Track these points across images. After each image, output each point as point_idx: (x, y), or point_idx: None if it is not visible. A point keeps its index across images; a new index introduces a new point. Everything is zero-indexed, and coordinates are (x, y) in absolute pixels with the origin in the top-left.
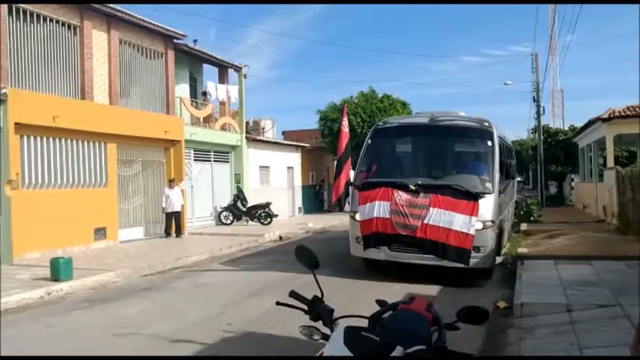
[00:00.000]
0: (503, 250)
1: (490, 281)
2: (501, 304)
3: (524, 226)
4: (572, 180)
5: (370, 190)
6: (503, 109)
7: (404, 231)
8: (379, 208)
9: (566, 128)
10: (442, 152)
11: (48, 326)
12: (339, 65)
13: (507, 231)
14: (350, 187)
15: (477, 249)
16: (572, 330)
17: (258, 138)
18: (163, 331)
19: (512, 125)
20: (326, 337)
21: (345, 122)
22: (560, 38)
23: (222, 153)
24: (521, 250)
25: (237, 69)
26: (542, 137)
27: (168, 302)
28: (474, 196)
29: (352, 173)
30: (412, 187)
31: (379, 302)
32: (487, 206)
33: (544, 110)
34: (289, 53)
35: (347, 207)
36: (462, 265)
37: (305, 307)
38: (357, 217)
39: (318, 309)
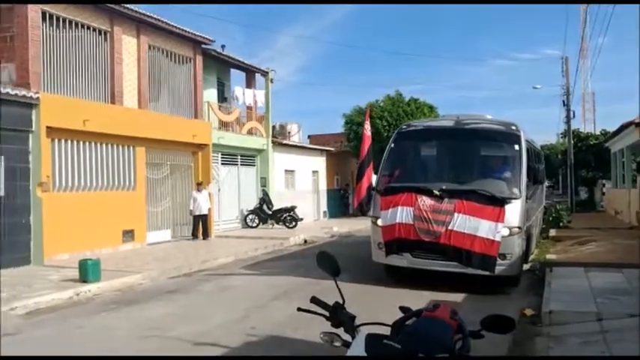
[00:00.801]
0: (532, 257)
1: (517, 288)
2: (528, 312)
3: (553, 232)
4: (604, 185)
5: (393, 195)
6: (532, 113)
7: (427, 237)
8: (402, 214)
9: (598, 132)
10: (468, 156)
11: (76, 327)
12: (365, 68)
13: (535, 237)
14: (372, 192)
15: (503, 256)
16: (603, 340)
17: (284, 142)
18: (188, 333)
19: (542, 129)
20: (347, 344)
21: (368, 125)
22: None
23: (248, 157)
24: (549, 256)
25: (264, 74)
26: (572, 142)
27: (193, 305)
28: (500, 202)
29: (375, 177)
30: (436, 192)
31: (403, 309)
32: (514, 212)
33: (574, 114)
34: (315, 57)
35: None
36: (487, 273)
37: (326, 313)
38: (379, 222)
39: (339, 315)
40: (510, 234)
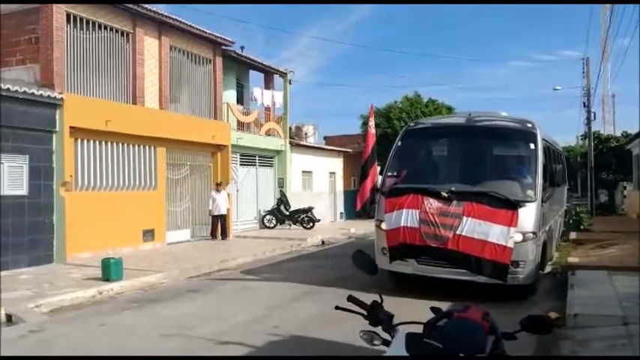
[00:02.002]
0: (553, 259)
1: (540, 291)
2: (553, 315)
3: (573, 235)
4: (625, 188)
5: (398, 197)
6: (551, 115)
7: (434, 242)
8: (407, 217)
9: (619, 134)
10: (479, 156)
11: (100, 325)
12: (382, 70)
13: (555, 241)
14: (377, 193)
15: (516, 264)
16: (630, 344)
17: (302, 143)
18: (211, 332)
19: (561, 131)
20: (386, 343)
21: (372, 123)
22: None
23: (266, 158)
24: (571, 259)
25: (283, 75)
26: (592, 143)
27: (214, 304)
28: (514, 205)
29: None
30: (444, 194)
31: (434, 310)
32: (528, 216)
33: (595, 116)
34: (332, 58)
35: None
36: (498, 282)
37: (364, 312)
38: (383, 226)
39: (378, 314)
40: (524, 240)
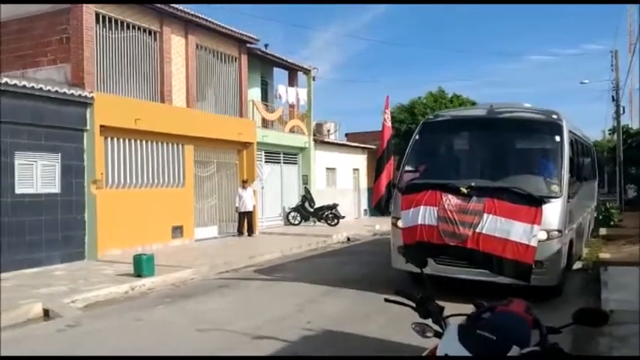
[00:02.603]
0: (583, 256)
1: (572, 287)
2: None
3: (603, 231)
4: None
5: (415, 193)
6: (576, 110)
7: (452, 241)
8: (424, 214)
9: None
10: (501, 149)
11: (135, 320)
12: (405, 65)
13: (585, 238)
14: (393, 189)
15: (540, 264)
16: None
17: (326, 140)
18: (245, 327)
19: (587, 125)
20: (438, 335)
21: (388, 115)
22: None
23: (290, 155)
24: (602, 255)
25: (307, 71)
26: (621, 138)
27: (245, 299)
28: (538, 201)
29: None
30: (464, 190)
31: (477, 304)
32: (553, 213)
33: (624, 110)
34: (354, 54)
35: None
36: (521, 283)
37: (413, 304)
38: (400, 223)
39: (428, 306)
40: (549, 238)
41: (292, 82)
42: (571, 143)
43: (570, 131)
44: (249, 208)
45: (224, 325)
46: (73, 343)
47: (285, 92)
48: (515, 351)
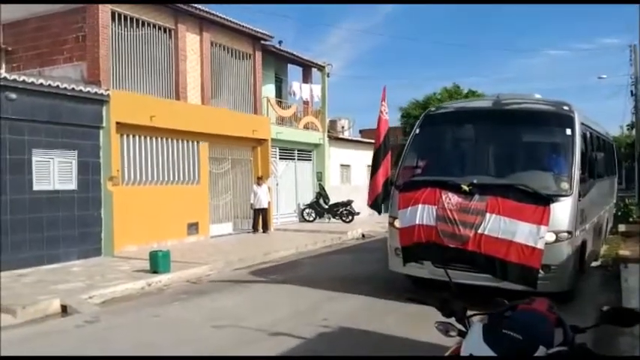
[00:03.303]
0: (602, 252)
1: (591, 285)
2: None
3: (622, 228)
4: None
5: (413, 191)
6: (595, 105)
7: (452, 242)
8: (422, 213)
9: None
10: (507, 143)
11: (152, 316)
12: (419, 61)
13: (603, 237)
14: (391, 187)
15: (548, 268)
16: None
17: (340, 137)
18: (261, 324)
19: (604, 121)
20: (462, 334)
21: (385, 107)
22: None
23: (305, 151)
24: (622, 252)
25: (321, 68)
26: None
27: (261, 296)
28: (545, 200)
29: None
30: (465, 188)
31: (497, 302)
32: (562, 212)
33: None
34: (369, 50)
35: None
36: (527, 289)
37: (436, 303)
38: (397, 223)
39: (451, 306)
40: (557, 240)
41: (306, 78)
42: (584, 137)
43: (583, 124)
44: (264, 205)
45: (239, 322)
46: (92, 339)
47: (299, 89)
48: (542, 351)
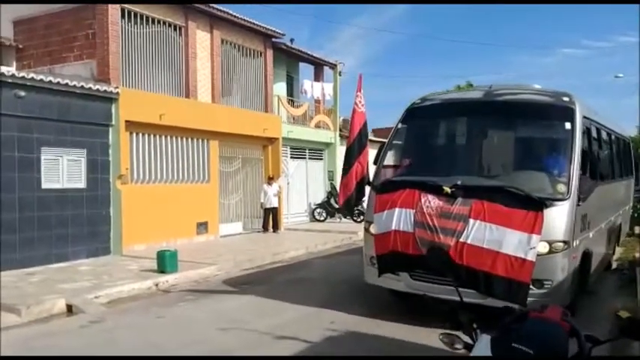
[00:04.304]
0: (616, 255)
1: (607, 288)
2: (624, 314)
3: (638, 229)
4: None
5: (390, 193)
6: (610, 104)
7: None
8: (399, 218)
9: None
10: (498, 139)
11: (158, 317)
12: (432, 59)
13: (614, 243)
14: (368, 187)
15: (540, 283)
16: None
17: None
18: (267, 326)
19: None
20: (468, 347)
21: (360, 99)
22: None
23: (316, 150)
24: (638, 255)
25: (333, 66)
26: None
27: (269, 297)
28: (538, 204)
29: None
30: (447, 190)
31: (506, 310)
32: (558, 219)
33: None
34: (382, 48)
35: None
36: (515, 306)
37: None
38: (372, 229)
39: (458, 316)
40: (551, 251)
41: (318, 77)
42: (588, 132)
43: (588, 118)
44: (275, 204)
45: (246, 324)
46: (96, 339)
47: (311, 87)
48: None
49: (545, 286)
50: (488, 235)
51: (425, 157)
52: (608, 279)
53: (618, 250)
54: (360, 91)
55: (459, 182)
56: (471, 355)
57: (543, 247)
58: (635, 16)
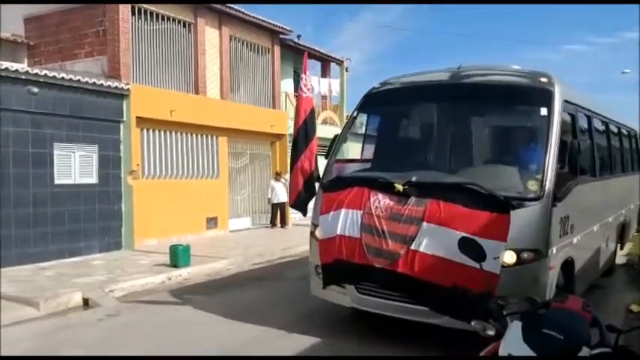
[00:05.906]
0: (625, 251)
1: (617, 282)
2: (635, 308)
3: None
4: None
5: (338, 191)
6: (617, 100)
7: (378, 261)
8: (345, 221)
9: None
10: (463, 128)
11: (174, 310)
12: (443, 54)
13: (623, 240)
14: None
15: (504, 300)
16: None
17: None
18: (280, 320)
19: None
20: (500, 333)
21: (306, 82)
22: None
23: (323, 147)
24: None
25: (339, 62)
26: None
27: (281, 291)
28: (503, 205)
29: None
30: (399, 187)
31: (529, 300)
32: (527, 223)
33: None
34: (387, 45)
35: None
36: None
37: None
38: (318, 233)
39: (488, 304)
40: (519, 262)
41: (325, 73)
42: (572, 120)
43: (572, 103)
44: (282, 200)
45: (260, 318)
46: (114, 332)
47: (318, 83)
48: (585, 352)
49: (510, 304)
50: (444, 241)
51: (382, 149)
52: (617, 274)
53: (627, 246)
54: (305, 72)
55: (413, 179)
56: (503, 340)
57: (510, 257)
58: (636, 16)
